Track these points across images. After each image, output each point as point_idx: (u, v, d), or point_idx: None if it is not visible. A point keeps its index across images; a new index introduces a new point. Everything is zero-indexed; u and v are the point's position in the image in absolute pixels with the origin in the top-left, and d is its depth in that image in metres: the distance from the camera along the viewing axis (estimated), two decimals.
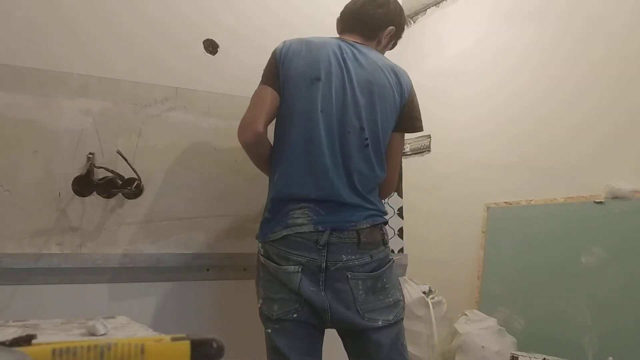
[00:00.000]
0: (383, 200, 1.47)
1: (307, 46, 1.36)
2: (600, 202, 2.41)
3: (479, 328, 2.60)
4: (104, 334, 0.71)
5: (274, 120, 1.39)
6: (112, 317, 0.89)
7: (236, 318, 1.64)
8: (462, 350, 2.57)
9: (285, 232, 1.28)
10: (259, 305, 1.33)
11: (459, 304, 2.97)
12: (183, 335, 0.54)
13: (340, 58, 1.35)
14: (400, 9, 1.53)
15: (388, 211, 1.86)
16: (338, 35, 1.51)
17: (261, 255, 1.34)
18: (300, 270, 1.25)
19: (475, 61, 3.27)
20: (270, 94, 1.34)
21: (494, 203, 2.99)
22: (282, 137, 1.35)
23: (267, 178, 1.69)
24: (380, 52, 1.50)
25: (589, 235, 2.42)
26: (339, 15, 1.52)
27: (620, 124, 2.42)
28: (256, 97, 1.35)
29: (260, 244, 1.36)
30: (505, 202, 2.93)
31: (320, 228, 1.26)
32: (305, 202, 1.29)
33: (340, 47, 1.38)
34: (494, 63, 3.14)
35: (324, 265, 1.25)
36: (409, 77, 1.45)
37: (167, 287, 1.55)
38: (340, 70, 1.34)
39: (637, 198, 2.29)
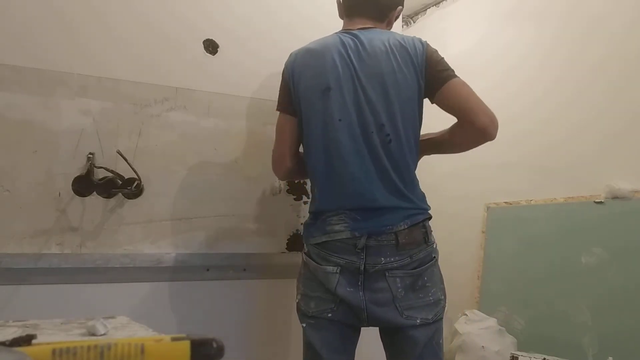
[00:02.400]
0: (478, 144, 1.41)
1: (312, 55, 1.36)
2: (601, 202, 2.41)
3: (479, 328, 2.60)
4: (104, 334, 0.71)
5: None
6: (112, 317, 0.89)
7: (236, 318, 1.64)
8: (462, 350, 2.57)
9: (325, 238, 1.30)
10: (297, 301, 1.37)
11: (459, 304, 2.97)
12: (183, 335, 0.54)
13: (346, 57, 1.32)
14: None
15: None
16: (342, 19, 1.48)
17: (304, 253, 1.38)
18: (338, 271, 1.27)
19: (475, 61, 3.27)
20: (288, 123, 1.39)
21: (494, 203, 2.99)
22: (308, 153, 1.37)
23: (267, 178, 1.69)
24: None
25: (589, 235, 2.42)
26: None
27: (621, 123, 2.42)
28: (278, 130, 1.42)
29: (304, 244, 1.39)
30: (505, 202, 2.93)
31: (357, 234, 1.26)
32: (342, 209, 1.29)
33: (343, 43, 1.34)
34: (494, 63, 3.14)
35: (362, 267, 1.25)
36: (420, 42, 1.36)
37: (167, 287, 1.55)
38: (349, 70, 1.31)
39: (637, 198, 2.29)
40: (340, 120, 1.29)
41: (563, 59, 2.71)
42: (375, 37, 1.36)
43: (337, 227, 1.28)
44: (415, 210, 1.31)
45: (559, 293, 2.48)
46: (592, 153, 2.52)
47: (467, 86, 1.33)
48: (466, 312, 2.77)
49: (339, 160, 1.29)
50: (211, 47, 1.67)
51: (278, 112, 1.42)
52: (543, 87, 2.80)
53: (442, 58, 1.36)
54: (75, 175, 1.44)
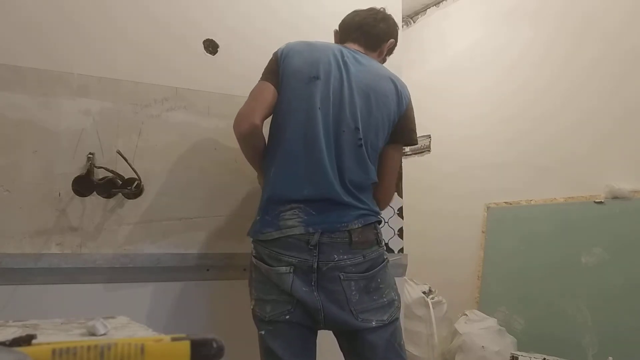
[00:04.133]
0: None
1: (309, 47, 1.38)
2: (600, 202, 2.41)
3: (479, 328, 2.60)
4: (104, 334, 0.71)
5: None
6: (112, 317, 0.89)
7: (236, 318, 1.64)
8: (462, 350, 2.57)
9: (276, 235, 1.28)
10: (252, 307, 1.34)
11: (459, 304, 2.97)
12: (183, 335, 0.54)
13: (340, 61, 1.37)
14: (396, 25, 1.59)
15: (388, 211, 1.86)
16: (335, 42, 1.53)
17: (253, 256, 1.34)
18: (292, 271, 1.25)
19: (475, 60, 3.27)
20: (269, 90, 1.34)
21: (494, 203, 2.99)
22: (279, 133, 1.35)
23: None
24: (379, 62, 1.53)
25: (589, 235, 2.42)
26: (337, 27, 1.55)
27: (619, 123, 2.42)
28: (255, 92, 1.36)
29: (252, 245, 1.36)
30: (505, 202, 2.93)
31: (311, 230, 1.26)
32: (296, 203, 1.28)
33: (341, 51, 1.40)
34: (493, 62, 3.14)
35: (315, 265, 1.24)
36: (407, 90, 1.46)
37: (167, 287, 1.55)
38: (340, 72, 1.35)
39: (637, 198, 2.29)
40: (320, 108, 1.31)
41: (560, 57, 2.72)
42: (371, 61, 1.44)
43: (290, 222, 1.27)
44: (368, 211, 1.33)
45: (559, 293, 2.48)
46: (591, 153, 2.52)
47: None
48: (466, 312, 2.77)
49: (314, 147, 1.30)
50: (211, 47, 1.67)
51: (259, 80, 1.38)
52: (542, 86, 2.80)
53: (415, 120, 1.46)
54: (75, 175, 1.44)
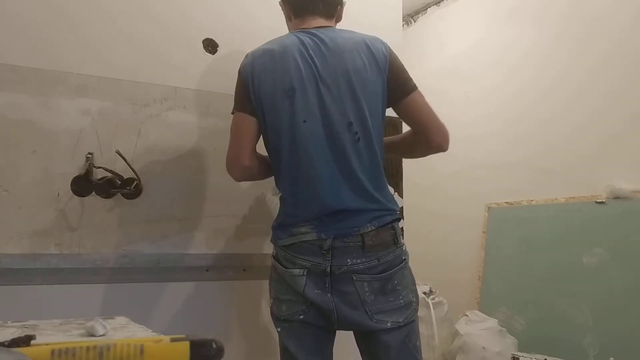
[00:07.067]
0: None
1: (271, 55, 1.31)
2: (602, 202, 2.41)
3: (479, 329, 2.60)
4: (103, 335, 0.70)
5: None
6: (112, 318, 0.89)
7: (236, 318, 1.64)
8: (463, 351, 2.57)
9: (291, 240, 1.29)
10: (270, 305, 1.36)
11: (459, 305, 2.96)
12: (182, 335, 0.54)
13: (307, 56, 1.29)
14: None
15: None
16: (289, 21, 1.44)
17: (272, 256, 1.37)
18: (305, 273, 1.26)
19: (476, 60, 3.27)
20: (247, 121, 1.31)
21: (495, 203, 2.99)
22: (275, 157, 1.33)
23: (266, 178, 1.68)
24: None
25: (590, 236, 2.42)
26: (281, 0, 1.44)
27: (621, 124, 2.42)
28: (235, 129, 1.33)
29: (273, 246, 1.38)
30: (506, 202, 2.92)
31: (323, 236, 1.25)
32: (310, 220, 1.28)
33: (302, 43, 1.31)
34: (495, 62, 3.14)
35: (328, 269, 1.24)
36: (383, 43, 1.35)
37: (167, 287, 1.54)
38: (311, 70, 1.28)
39: (638, 198, 2.29)
40: (305, 121, 1.27)
41: (564, 59, 2.72)
42: (337, 35, 1.34)
43: (303, 229, 1.28)
44: (383, 211, 1.29)
45: (560, 293, 2.48)
46: (593, 153, 2.52)
47: (425, 100, 1.36)
48: (467, 313, 2.77)
49: (306, 164, 1.27)
50: (210, 46, 1.66)
51: (234, 114, 1.34)
52: (544, 87, 2.80)
53: (402, 64, 1.37)
54: (74, 175, 1.43)
